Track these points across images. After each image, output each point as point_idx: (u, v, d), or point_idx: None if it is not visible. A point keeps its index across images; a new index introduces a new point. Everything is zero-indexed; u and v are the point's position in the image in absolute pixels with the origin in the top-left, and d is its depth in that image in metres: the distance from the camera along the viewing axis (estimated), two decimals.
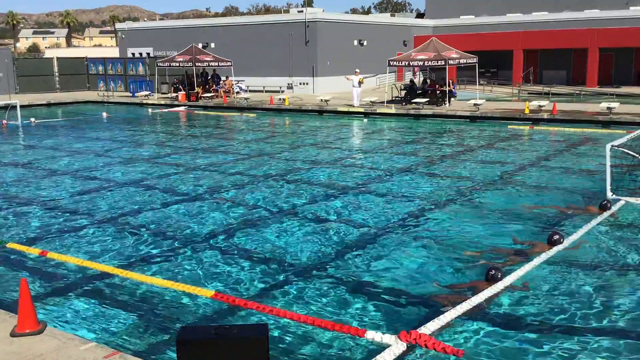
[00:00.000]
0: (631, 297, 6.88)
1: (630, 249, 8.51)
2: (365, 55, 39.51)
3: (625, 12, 39.60)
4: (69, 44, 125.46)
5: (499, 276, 7.03)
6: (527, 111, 23.74)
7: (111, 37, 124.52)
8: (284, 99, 30.04)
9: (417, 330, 5.59)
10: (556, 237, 8.38)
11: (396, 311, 6.70)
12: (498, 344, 5.85)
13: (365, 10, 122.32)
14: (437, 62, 27.24)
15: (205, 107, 31.11)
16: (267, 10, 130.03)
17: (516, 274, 7.22)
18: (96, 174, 14.58)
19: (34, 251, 8.66)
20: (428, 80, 31.00)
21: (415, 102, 27.11)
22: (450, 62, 27.34)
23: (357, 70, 29.46)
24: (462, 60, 27.99)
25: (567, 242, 8.38)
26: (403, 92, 30.53)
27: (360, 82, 28.42)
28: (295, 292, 7.22)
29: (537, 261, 7.67)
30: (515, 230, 9.47)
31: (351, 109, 27.79)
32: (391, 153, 17.33)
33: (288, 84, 38.38)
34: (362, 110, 27.35)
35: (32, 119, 26.26)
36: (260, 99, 32.47)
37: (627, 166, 12.81)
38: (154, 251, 8.79)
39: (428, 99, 27.74)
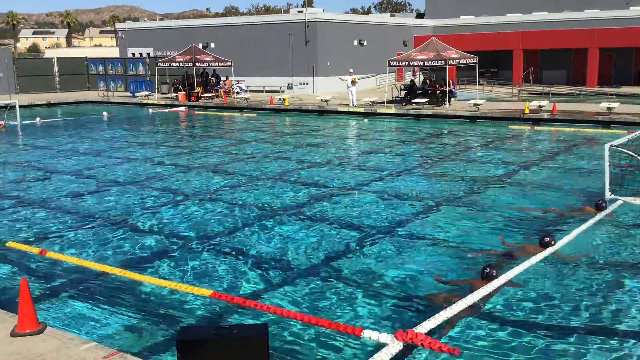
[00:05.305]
0: (627, 295, 6.91)
1: (627, 249, 8.54)
2: (365, 55, 39.52)
3: (625, 12, 39.58)
4: (69, 44, 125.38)
5: (495, 275, 7.06)
6: (527, 111, 23.75)
7: (111, 37, 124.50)
8: (284, 99, 30.05)
9: (414, 329, 5.61)
10: (548, 238, 8.42)
11: (393, 310, 6.74)
12: (494, 342, 5.89)
13: (365, 10, 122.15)
14: (437, 62, 27.26)
15: (205, 107, 31.14)
16: (267, 10, 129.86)
17: (512, 273, 7.23)
18: (96, 174, 14.60)
19: (34, 250, 8.68)
20: (428, 81, 31.03)
21: (416, 102, 27.13)
22: (450, 62, 27.36)
23: (351, 70, 29.48)
24: (462, 60, 28.00)
25: (564, 242, 8.40)
26: (403, 92, 30.55)
27: (353, 82, 28.42)
28: (292, 291, 7.25)
29: (533, 260, 7.69)
30: (513, 230, 9.50)
31: (351, 109, 27.81)
32: (391, 153, 17.35)
33: (288, 84, 38.39)
34: (362, 110, 27.36)
35: (38, 119, 26.71)
36: (260, 99, 32.48)
37: (626, 166, 12.82)
38: (154, 251, 8.82)
39: (428, 99, 27.75)
